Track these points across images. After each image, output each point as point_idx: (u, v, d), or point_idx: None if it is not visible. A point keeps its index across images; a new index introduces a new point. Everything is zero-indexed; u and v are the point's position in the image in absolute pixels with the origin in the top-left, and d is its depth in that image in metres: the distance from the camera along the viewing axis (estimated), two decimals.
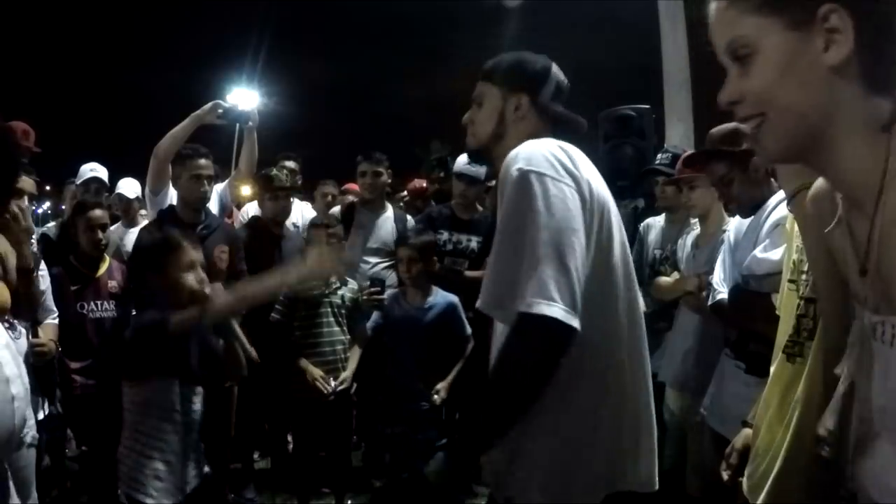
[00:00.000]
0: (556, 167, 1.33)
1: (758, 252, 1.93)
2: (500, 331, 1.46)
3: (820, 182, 0.98)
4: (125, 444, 2.13)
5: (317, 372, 3.07)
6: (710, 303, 2.29)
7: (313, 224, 3.34)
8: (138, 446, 2.08)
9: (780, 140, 0.81)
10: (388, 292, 3.34)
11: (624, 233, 1.48)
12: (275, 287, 1.90)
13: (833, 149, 0.80)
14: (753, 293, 1.94)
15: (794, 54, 0.77)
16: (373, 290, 3.29)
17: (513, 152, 1.39)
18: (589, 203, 1.35)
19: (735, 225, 2.28)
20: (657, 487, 1.44)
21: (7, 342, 1.45)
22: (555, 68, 1.59)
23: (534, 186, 1.30)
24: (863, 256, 0.82)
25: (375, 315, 3.23)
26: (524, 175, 1.32)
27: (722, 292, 2.20)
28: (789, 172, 1.35)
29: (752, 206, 2.14)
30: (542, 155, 1.35)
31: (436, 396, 3.03)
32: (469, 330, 3.20)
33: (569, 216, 1.29)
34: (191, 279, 2.10)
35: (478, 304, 1.40)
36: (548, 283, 1.23)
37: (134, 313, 3.28)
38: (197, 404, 2.18)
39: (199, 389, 2.20)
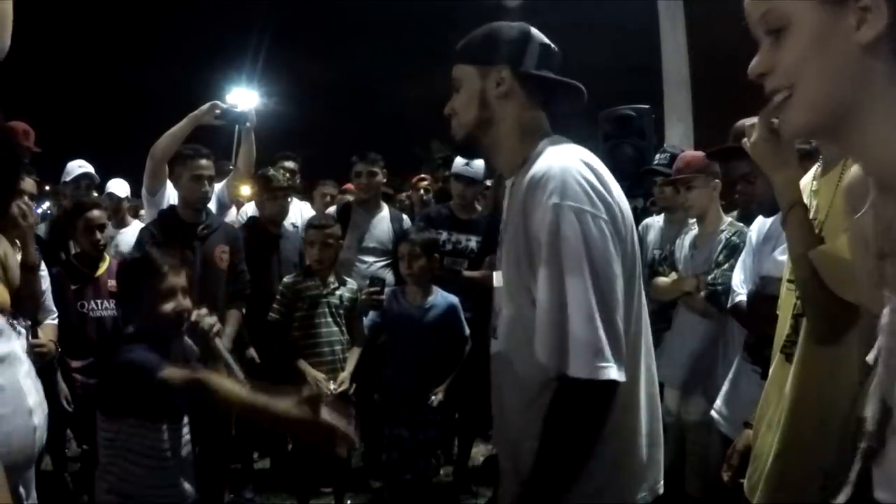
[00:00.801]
0: (592, 197, 1.25)
1: (777, 254, 1.90)
2: (501, 340, 1.43)
3: (855, 170, 0.98)
4: (102, 477, 1.91)
5: (318, 374, 3.06)
6: (728, 305, 2.26)
7: (311, 225, 3.30)
8: (113, 485, 1.88)
9: (806, 114, 0.81)
10: (387, 290, 3.34)
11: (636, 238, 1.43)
12: (282, 414, 1.65)
13: (861, 128, 0.79)
14: (771, 296, 1.91)
15: (827, 30, 0.77)
16: (372, 289, 3.28)
17: (538, 172, 1.29)
18: (622, 230, 1.30)
19: (758, 226, 2.26)
20: (661, 492, 1.44)
21: (28, 370, 1.45)
22: (535, 31, 1.41)
23: (575, 229, 1.22)
24: (882, 239, 0.81)
25: (372, 314, 3.22)
26: (561, 212, 1.23)
27: (741, 294, 2.17)
28: (786, 186, 1.35)
29: (773, 205, 2.13)
30: (574, 182, 1.25)
31: (433, 398, 3.01)
32: (468, 331, 3.19)
33: (610, 261, 1.24)
34: (169, 308, 1.93)
35: (541, 358, 1.29)
36: (603, 345, 1.20)
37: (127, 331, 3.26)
38: (184, 441, 1.99)
39: (185, 426, 2.00)
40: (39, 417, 1.51)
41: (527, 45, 1.38)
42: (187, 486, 1.96)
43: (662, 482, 1.44)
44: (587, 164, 1.30)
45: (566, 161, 1.29)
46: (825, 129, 0.84)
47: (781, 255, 1.89)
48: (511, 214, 1.37)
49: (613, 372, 1.20)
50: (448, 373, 3.12)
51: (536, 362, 1.28)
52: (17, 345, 1.19)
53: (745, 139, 1.39)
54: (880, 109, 0.77)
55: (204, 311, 2.02)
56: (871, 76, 0.76)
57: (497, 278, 1.48)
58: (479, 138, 1.43)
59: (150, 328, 1.96)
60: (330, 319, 3.16)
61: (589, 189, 1.25)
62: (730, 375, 2.31)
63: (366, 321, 3.22)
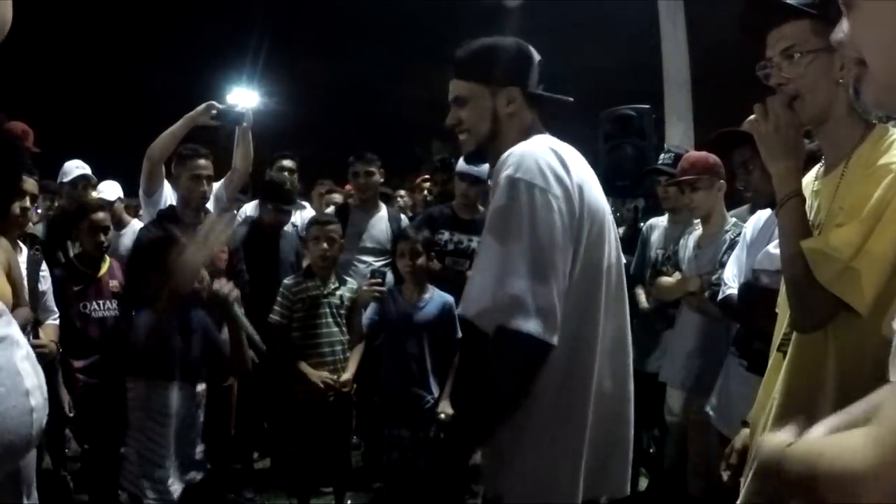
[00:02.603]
0: (547, 176, 1.33)
1: (771, 248, 1.91)
2: None
3: None
4: (130, 443, 2.17)
5: (321, 374, 3.05)
6: (718, 298, 2.27)
7: (314, 222, 3.31)
8: (140, 446, 2.12)
9: (874, 87, 0.83)
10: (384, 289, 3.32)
11: (617, 234, 1.50)
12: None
13: None
14: (764, 289, 1.90)
15: (887, 10, 0.78)
16: (373, 280, 3.28)
17: (505, 154, 1.39)
18: (578, 211, 1.36)
19: (753, 221, 2.26)
20: (628, 493, 1.48)
21: (27, 353, 1.46)
22: (530, 49, 1.53)
23: (522, 196, 1.31)
24: None
25: (370, 311, 3.21)
26: (514, 183, 1.33)
27: (732, 288, 2.18)
28: (781, 179, 1.35)
29: (769, 198, 2.13)
30: (534, 161, 1.34)
31: (442, 416, 2.99)
32: (459, 334, 3.15)
33: (554, 232, 1.31)
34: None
35: (459, 309, 1.43)
36: (526, 298, 1.26)
37: (134, 313, 3.30)
38: (198, 402, 2.21)
39: (202, 387, 2.23)
40: (37, 399, 1.51)
41: (530, 66, 1.51)
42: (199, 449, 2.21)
43: (629, 482, 1.48)
44: (553, 150, 1.39)
45: (533, 146, 1.40)
46: (888, 101, 0.85)
47: (775, 249, 1.89)
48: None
49: (534, 327, 1.25)
50: (445, 375, 3.11)
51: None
52: (15, 329, 1.20)
53: (750, 119, 1.38)
54: None
55: (222, 281, 2.20)
56: None
57: None
58: (488, 148, 1.53)
59: (168, 302, 2.14)
60: (331, 320, 3.16)
61: (545, 168, 1.34)
62: (722, 372, 2.32)
63: (364, 319, 3.22)
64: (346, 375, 3.10)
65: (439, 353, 3.11)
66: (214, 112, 3.49)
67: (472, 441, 1.39)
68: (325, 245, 3.11)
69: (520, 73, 1.50)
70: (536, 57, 1.53)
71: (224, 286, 2.17)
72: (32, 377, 1.54)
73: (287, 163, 4.32)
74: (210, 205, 3.59)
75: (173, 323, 2.17)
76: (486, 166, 2.63)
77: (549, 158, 1.36)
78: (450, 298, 3.15)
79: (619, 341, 1.47)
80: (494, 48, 1.52)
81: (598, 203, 1.44)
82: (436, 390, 3.08)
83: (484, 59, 1.51)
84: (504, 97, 1.49)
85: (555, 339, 1.27)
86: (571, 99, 1.55)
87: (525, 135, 1.49)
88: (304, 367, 3.07)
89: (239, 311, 2.20)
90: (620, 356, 1.47)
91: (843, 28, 0.86)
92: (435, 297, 3.12)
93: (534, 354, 1.28)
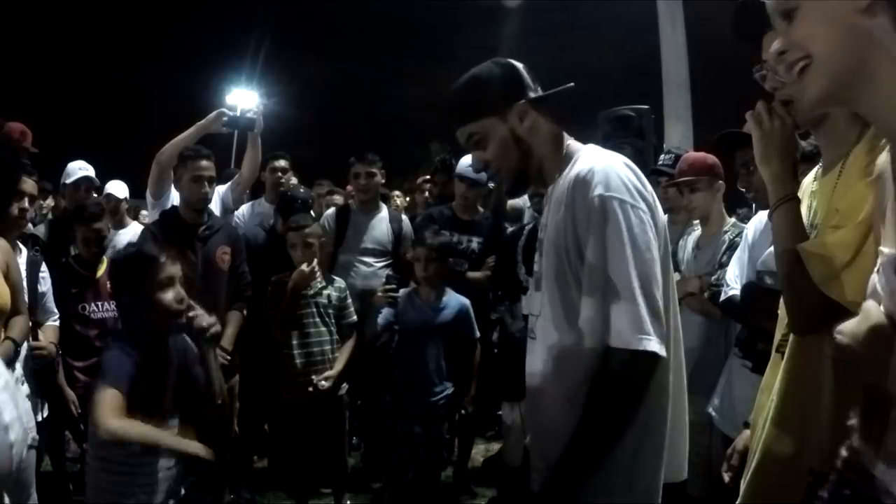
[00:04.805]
0: (633, 192, 1.36)
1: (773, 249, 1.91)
2: (539, 339, 1.50)
3: (882, 158, 1.02)
4: (91, 462, 1.98)
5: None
6: (720, 299, 2.27)
7: (290, 227, 3.25)
8: (106, 474, 1.93)
9: (823, 80, 0.89)
10: (401, 291, 3.33)
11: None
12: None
13: (873, 88, 0.86)
14: (767, 290, 1.89)
15: (830, 2, 0.87)
16: (388, 286, 3.29)
17: (582, 168, 1.39)
18: (655, 217, 1.40)
19: (754, 223, 2.26)
20: (685, 477, 1.57)
21: (6, 382, 1.44)
22: (510, 61, 1.52)
23: (618, 216, 1.33)
24: None
25: (386, 312, 3.22)
26: (607, 202, 1.34)
27: (734, 289, 2.17)
28: (777, 181, 1.35)
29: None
30: (618, 178, 1.37)
31: (463, 411, 3.16)
32: (478, 333, 3.27)
33: (650, 246, 1.35)
34: (168, 297, 1.97)
35: (571, 340, 1.40)
36: (644, 319, 1.30)
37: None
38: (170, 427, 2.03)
39: (174, 422, 2.05)
40: (17, 432, 1.49)
41: (520, 76, 1.50)
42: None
43: (686, 469, 1.57)
44: (626, 165, 1.43)
45: (608, 161, 1.41)
46: (841, 94, 0.91)
47: None
48: (552, 215, 1.46)
49: (654, 344, 1.29)
50: (461, 374, 3.19)
51: (581, 353, 1.37)
52: None
53: (749, 120, 1.38)
54: (887, 67, 0.84)
55: (201, 312, 2.05)
56: (875, 36, 0.83)
57: (530, 283, 1.58)
58: (527, 171, 1.53)
59: (143, 325, 1.98)
60: (318, 319, 3.17)
61: (629, 184, 1.37)
62: (724, 373, 2.31)
63: (379, 319, 3.23)
64: (331, 373, 3.11)
65: (455, 354, 3.19)
66: (226, 119, 3.50)
67: (587, 464, 1.36)
68: (301, 251, 3.14)
69: (515, 87, 1.49)
70: (519, 64, 1.52)
71: (205, 320, 2.05)
72: (11, 409, 1.52)
73: (281, 163, 4.32)
74: (216, 208, 3.60)
75: (151, 352, 1.98)
76: None
77: (628, 174, 1.39)
78: (466, 301, 3.23)
79: (674, 328, 1.51)
80: (479, 78, 1.51)
81: (661, 210, 1.48)
82: (449, 389, 3.16)
83: (476, 92, 1.50)
84: (515, 116, 1.47)
85: (664, 351, 1.32)
86: (572, 84, 1.52)
87: (557, 143, 1.51)
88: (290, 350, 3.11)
89: (212, 355, 2.11)
90: (675, 342, 1.50)
91: (783, 38, 0.93)
92: (452, 300, 3.20)
93: (653, 369, 1.33)
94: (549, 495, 1.37)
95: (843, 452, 0.93)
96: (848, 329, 0.85)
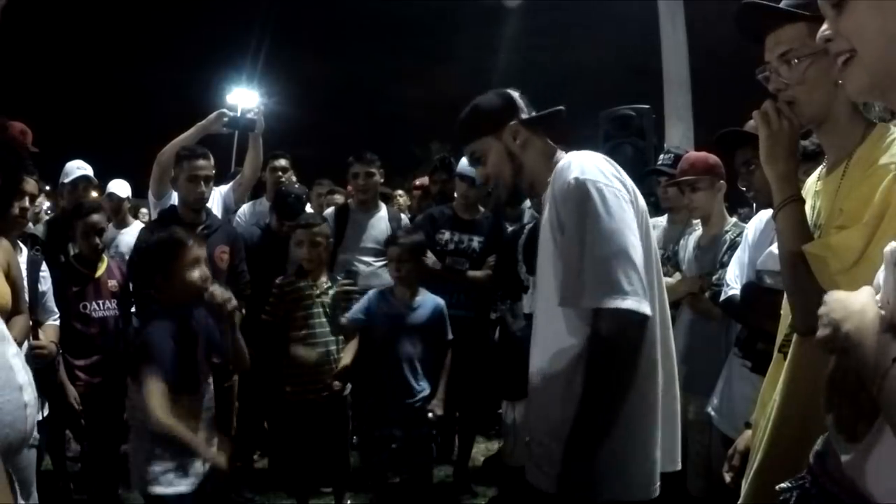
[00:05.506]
0: (609, 176, 1.49)
1: (774, 248, 1.90)
2: (541, 328, 1.60)
3: None
4: (133, 442, 2.19)
5: (311, 353, 3.08)
6: (721, 299, 2.27)
7: (298, 225, 3.27)
8: (146, 443, 2.11)
9: (865, 77, 0.90)
10: (374, 291, 3.27)
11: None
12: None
13: None
14: (766, 290, 1.89)
15: (884, 3, 0.86)
16: (344, 281, 3.26)
17: (562, 163, 1.55)
18: (636, 206, 1.53)
19: (755, 222, 2.26)
20: (680, 467, 1.60)
21: (17, 351, 1.47)
22: (507, 90, 1.73)
23: (592, 192, 1.45)
24: None
25: (356, 310, 3.18)
26: (581, 183, 1.47)
27: (734, 289, 2.17)
28: (782, 181, 1.35)
29: (770, 198, 2.13)
30: (593, 165, 1.51)
31: (430, 415, 3.00)
32: (450, 336, 3.16)
33: (626, 217, 1.45)
34: (196, 275, 2.18)
35: (558, 301, 1.51)
36: (617, 278, 1.38)
37: (134, 310, 3.30)
38: (206, 405, 2.24)
39: (208, 382, 2.27)
40: (30, 395, 1.52)
41: (513, 101, 1.71)
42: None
43: (679, 461, 1.60)
44: (605, 159, 1.57)
45: (585, 155, 1.58)
46: (880, 91, 0.92)
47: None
48: (543, 215, 1.61)
49: (630, 302, 1.37)
50: (437, 377, 3.11)
51: (575, 332, 1.46)
52: (3, 326, 1.22)
53: (753, 120, 1.39)
54: None
55: (220, 288, 2.26)
56: None
57: (531, 282, 1.67)
58: (519, 182, 1.71)
59: (171, 304, 2.20)
60: (324, 319, 3.16)
61: (605, 171, 1.51)
62: (724, 372, 2.31)
63: (348, 315, 3.18)
64: (343, 362, 3.08)
65: (430, 355, 3.11)
66: (226, 119, 3.50)
67: (595, 434, 1.41)
68: (308, 249, 3.13)
69: (509, 110, 1.69)
70: (515, 92, 1.73)
71: (222, 293, 2.23)
72: (23, 373, 1.54)
73: (281, 162, 4.32)
74: (217, 208, 3.59)
75: (181, 327, 2.19)
76: None
77: (605, 164, 1.53)
78: (441, 301, 3.16)
79: (663, 319, 1.58)
80: (478, 104, 1.73)
81: (643, 204, 1.60)
82: (427, 390, 3.08)
83: (475, 115, 1.72)
84: (508, 134, 1.67)
85: (648, 309, 1.39)
86: (562, 108, 1.72)
87: (548, 156, 1.68)
88: (296, 348, 3.08)
89: (235, 320, 2.27)
90: (664, 330, 1.58)
91: (830, 26, 0.93)
92: (427, 300, 3.13)
93: (634, 326, 1.39)
94: (568, 469, 1.42)
95: (817, 446, 0.94)
96: (833, 297, 0.89)
